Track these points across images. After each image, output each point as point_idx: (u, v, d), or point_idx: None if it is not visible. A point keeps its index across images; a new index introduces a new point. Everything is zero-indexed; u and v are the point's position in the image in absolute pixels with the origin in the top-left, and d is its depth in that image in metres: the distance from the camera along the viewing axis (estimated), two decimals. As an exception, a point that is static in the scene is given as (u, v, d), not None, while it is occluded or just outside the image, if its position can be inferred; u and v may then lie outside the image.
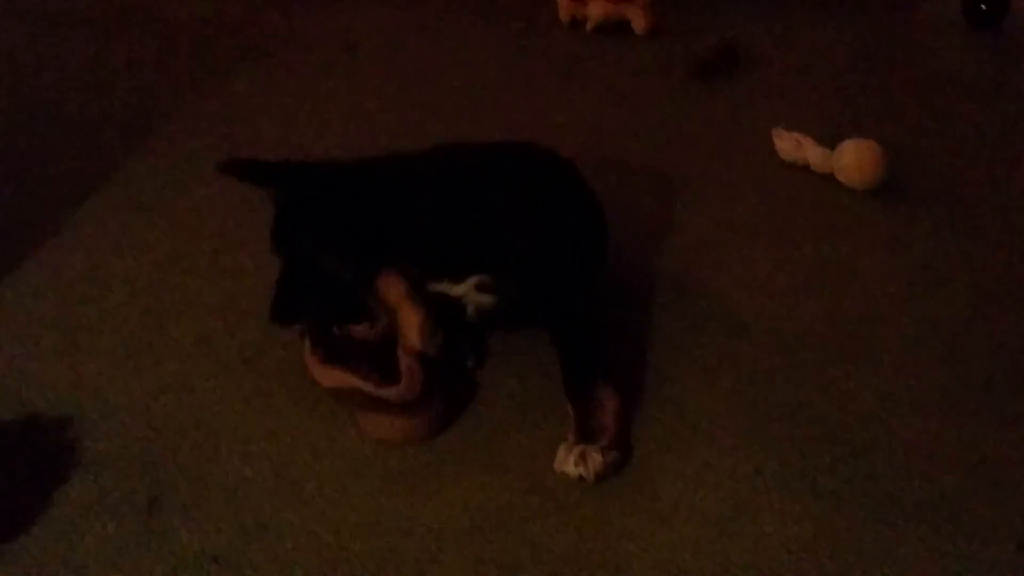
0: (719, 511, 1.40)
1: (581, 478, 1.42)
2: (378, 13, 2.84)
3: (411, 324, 1.53)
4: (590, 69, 2.61)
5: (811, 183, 2.13)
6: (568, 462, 1.43)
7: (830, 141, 2.14)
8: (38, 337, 1.67)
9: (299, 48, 2.67)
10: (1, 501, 1.34)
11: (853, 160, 2.09)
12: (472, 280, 1.59)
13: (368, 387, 1.47)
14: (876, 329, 1.74)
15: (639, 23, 2.76)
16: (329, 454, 1.47)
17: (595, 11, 2.78)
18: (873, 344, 1.71)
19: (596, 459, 1.42)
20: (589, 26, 2.78)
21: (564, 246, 1.65)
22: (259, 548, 1.33)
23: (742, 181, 2.15)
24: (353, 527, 1.36)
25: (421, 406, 1.49)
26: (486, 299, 1.61)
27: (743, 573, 1.32)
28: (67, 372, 1.60)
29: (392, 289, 1.56)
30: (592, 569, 1.32)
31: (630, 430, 1.51)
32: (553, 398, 1.55)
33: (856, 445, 1.51)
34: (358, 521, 1.37)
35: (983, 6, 2.89)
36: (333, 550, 1.33)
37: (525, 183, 1.66)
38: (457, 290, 1.60)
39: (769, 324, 1.74)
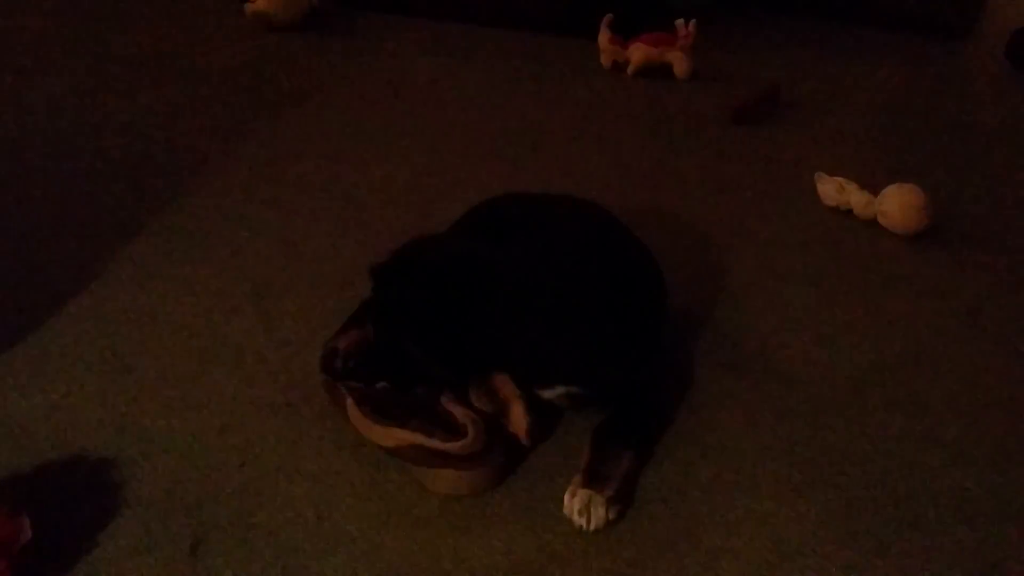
0: (762, 557, 1.39)
1: (581, 528, 1.42)
2: (421, 61, 2.87)
3: (520, 422, 1.54)
4: (631, 113, 2.62)
5: (854, 228, 2.13)
6: (573, 509, 1.43)
7: (873, 186, 2.14)
8: (82, 379, 1.68)
9: (340, 92, 2.70)
10: (46, 542, 1.34)
11: (896, 205, 2.08)
12: (560, 389, 1.60)
13: (434, 443, 1.47)
14: (920, 375, 1.73)
15: (680, 67, 2.77)
16: (371, 496, 1.47)
17: (636, 56, 2.79)
18: (917, 390, 1.70)
19: (600, 513, 1.42)
20: (630, 70, 2.79)
21: (641, 343, 1.66)
22: (301, 589, 1.33)
23: (784, 226, 2.15)
24: (395, 569, 1.36)
25: (485, 456, 1.49)
26: (568, 400, 1.62)
27: (787, 620, 1.30)
28: (111, 413, 1.62)
29: (506, 387, 1.57)
30: (634, 615, 1.31)
31: (634, 488, 1.50)
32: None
33: (900, 492, 1.49)
34: (400, 563, 1.37)
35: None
36: (375, 592, 1.33)
37: (603, 290, 1.62)
38: (547, 394, 1.60)
39: (812, 369, 1.73)
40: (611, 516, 1.43)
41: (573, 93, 2.73)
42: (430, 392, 1.55)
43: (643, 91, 2.73)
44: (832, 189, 2.18)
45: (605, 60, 2.85)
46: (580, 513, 1.42)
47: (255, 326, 1.81)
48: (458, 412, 1.51)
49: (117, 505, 1.44)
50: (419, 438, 1.47)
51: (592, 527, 1.42)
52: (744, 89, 2.65)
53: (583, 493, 1.43)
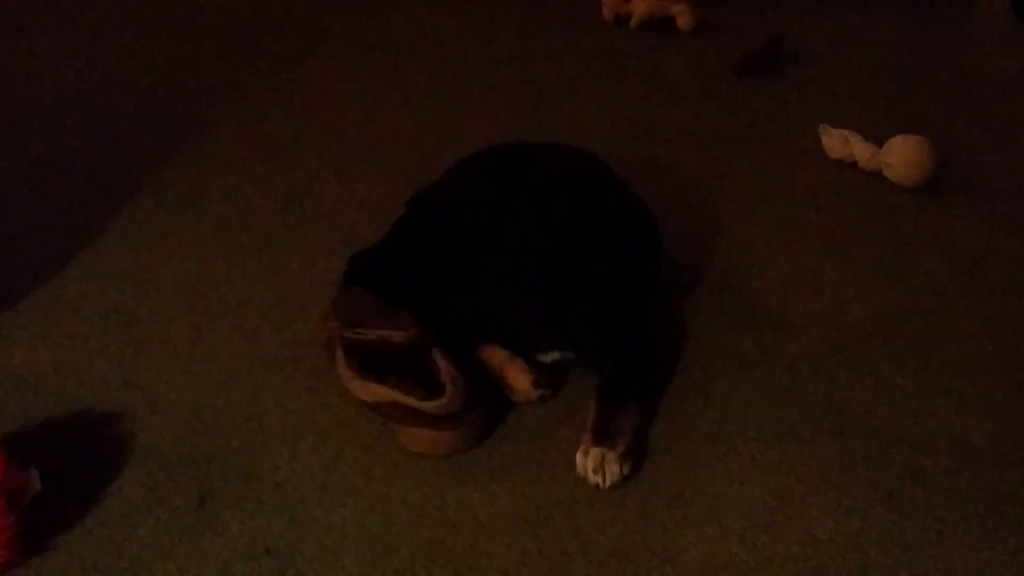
0: (765, 505, 1.40)
1: (596, 485, 1.42)
2: (426, 10, 2.85)
3: (524, 383, 1.55)
4: (634, 67, 2.61)
5: (858, 180, 2.12)
6: (587, 468, 1.43)
7: (878, 138, 2.13)
8: (87, 335, 1.69)
9: (340, 47, 2.68)
10: (55, 495, 1.36)
11: (901, 157, 2.07)
12: (555, 355, 1.60)
13: (411, 400, 1.45)
14: (924, 326, 1.73)
15: (684, 20, 2.75)
16: (377, 448, 1.48)
17: (639, 8, 2.77)
18: (921, 341, 1.70)
19: (615, 469, 1.42)
20: (633, 23, 2.77)
21: (634, 301, 1.66)
22: (310, 540, 1.34)
23: (788, 178, 2.14)
24: (402, 520, 1.37)
25: (463, 418, 1.47)
26: (563, 361, 1.62)
27: (789, 566, 1.31)
28: (117, 369, 1.63)
29: (494, 356, 1.58)
30: (638, 562, 1.32)
31: (645, 441, 1.50)
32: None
33: (904, 441, 1.50)
34: (407, 514, 1.38)
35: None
36: (382, 542, 1.34)
37: (596, 253, 1.63)
38: (543, 359, 1.61)
39: (816, 321, 1.74)
40: (625, 472, 1.43)
41: (576, 46, 2.71)
42: (425, 342, 1.52)
43: (646, 44, 2.70)
44: (837, 141, 2.17)
45: (608, 13, 2.82)
46: (595, 471, 1.42)
47: (258, 281, 1.81)
48: (443, 368, 1.49)
49: (124, 459, 1.46)
50: (396, 395, 1.46)
51: (608, 484, 1.42)
52: (748, 41, 2.63)
53: (595, 451, 1.43)
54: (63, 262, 1.84)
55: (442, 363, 1.50)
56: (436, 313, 1.56)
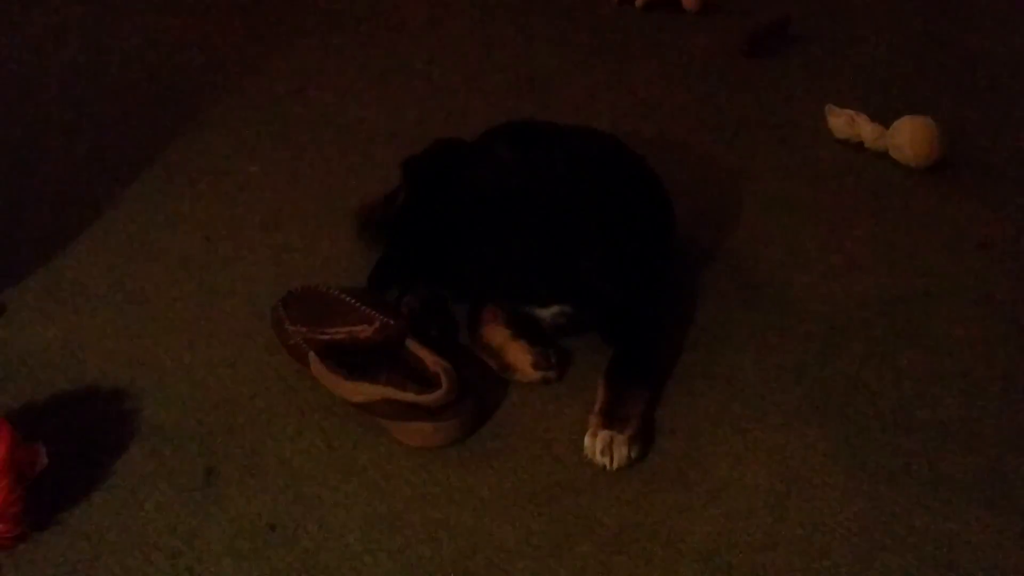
0: (770, 487, 1.40)
1: (604, 467, 1.42)
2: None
3: (524, 362, 1.55)
4: (640, 47, 2.60)
5: (865, 161, 2.12)
6: (595, 450, 1.43)
7: (885, 118, 2.12)
8: (94, 311, 1.69)
9: (348, 25, 2.67)
10: (62, 470, 1.36)
11: (908, 137, 2.06)
12: (555, 308, 1.61)
13: (407, 396, 1.43)
14: (930, 307, 1.73)
15: (689, 0, 2.74)
16: (381, 427, 1.48)
17: (646, -12, 2.76)
18: (927, 322, 1.70)
19: (623, 452, 1.42)
20: (639, 3, 2.76)
21: (641, 268, 1.66)
22: (314, 517, 1.34)
23: (794, 158, 2.14)
24: (406, 498, 1.38)
25: (457, 407, 1.46)
26: (560, 318, 1.62)
27: (794, 549, 1.32)
28: (122, 344, 1.63)
29: (496, 334, 1.58)
30: (642, 542, 1.32)
31: (652, 426, 1.50)
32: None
33: (909, 422, 1.50)
34: (411, 492, 1.38)
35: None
36: (387, 520, 1.34)
37: (605, 211, 1.63)
38: (543, 313, 1.62)
39: (821, 301, 1.74)
40: (633, 455, 1.43)
41: (581, 26, 2.70)
42: (395, 335, 1.52)
43: (652, 24, 2.69)
44: (843, 122, 2.16)
45: (614, -7, 2.81)
46: (602, 453, 1.42)
47: (265, 259, 1.81)
48: (429, 360, 1.49)
49: (131, 434, 1.46)
50: (391, 392, 1.44)
51: (615, 466, 1.42)
52: (754, 21, 2.62)
53: (604, 434, 1.43)
54: (70, 238, 1.83)
55: (424, 354, 1.50)
56: (444, 266, 1.60)
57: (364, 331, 1.54)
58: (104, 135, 2.16)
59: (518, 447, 1.46)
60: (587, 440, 1.44)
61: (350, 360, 1.50)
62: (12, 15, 2.62)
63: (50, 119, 2.21)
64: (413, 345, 1.52)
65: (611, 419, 1.46)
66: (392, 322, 1.55)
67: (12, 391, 1.52)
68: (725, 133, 2.23)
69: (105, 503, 1.36)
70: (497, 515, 1.35)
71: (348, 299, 1.62)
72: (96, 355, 1.60)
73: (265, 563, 1.29)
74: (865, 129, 2.13)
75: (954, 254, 1.86)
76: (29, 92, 2.31)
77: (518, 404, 1.53)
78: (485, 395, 1.53)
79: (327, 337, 1.53)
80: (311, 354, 1.51)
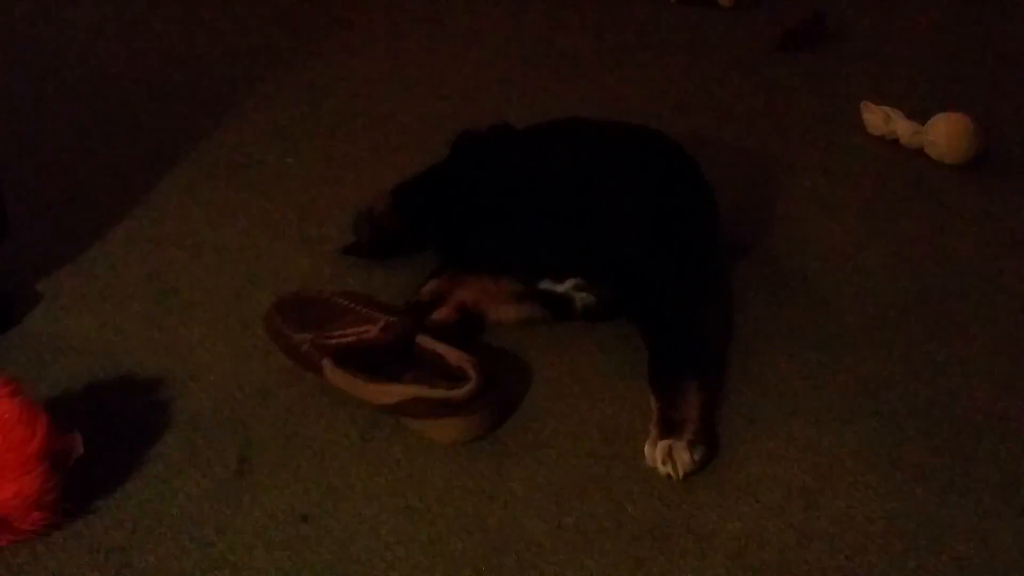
0: (803, 484, 1.39)
1: (669, 476, 1.39)
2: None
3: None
4: (674, 41, 2.59)
5: (900, 158, 2.10)
6: (656, 460, 1.40)
7: (920, 115, 2.11)
8: (129, 300, 1.70)
9: (381, 17, 2.68)
10: (96, 459, 1.37)
11: (944, 134, 2.05)
12: (571, 282, 1.61)
13: (437, 393, 1.41)
14: (966, 305, 1.72)
15: (724, -6, 2.73)
16: (414, 420, 1.48)
17: (680, -18, 2.75)
18: (963, 320, 1.69)
19: (684, 458, 1.39)
20: (674, -2, 2.75)
21: (666, 249, 1.65)
22: (346, 508, 1.35)
23: (829, 155, 2.12)
24: (438, 490, 1.38)
25: (487, 398, 1.44)
26: (589, 298, 1.62)
27: (827, 546, 1.31)
28: (157, 334, 1.64)
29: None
30: (674, 538, 1.32)
31: (715, 424, 1.48)
32: (638, 369, 1.55)
33: (943, 421, 1.49)
34: (443, 485, 1.39)
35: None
36: (418, 512, 1.35)
37: (629, 184, 1.66)
38: (560, 288, 1.62)
39: (856, 299, 1.73)
40: (697, 457, 1.40)
41: (615, 20, 2.69)
42: (402, 333, 1.50)
43: (687, 18, 2.68)
44: (878, 118, 2.15)
45: (648, -13, 2.80)
46: (664, 463, 1.39)
47: (299, 250, 1.82)
48: (451, 355, 1.46)
49: (165, 424, 1.47)
50: (421, 390, 1.42)
51: (681, 474, 1.38)
52: (788, 17, 2.61)
53: (662, 444, 1.40)
54: (107, 228, 1.85)
55: (443, 349, 1.47)
56: (463, 238, 1.64)
57: (369, 331, 1.50)
58: (140, 127, 2.18)
59: (548, 442, 1.46)
60: (647, 451, 1.41)
61: (366, 362, 1.47)
62: (50, 12, 2.64)
63: (87, 112, 2.23)
64: (427, 341, 1.49)
65: (668, 426, 1.43)
66: (396, 320, 1.52)
67: (48, 379, 1.53)
68: (759, 129, 2.22)
69: (139, 492, 1.37)
70: (528, 509, 1.35)
71: (344, 302, 1.57)
72: (131, 345, 1.61)
73: (297, 554, 1.29)
74: (901, 126, 2.12)
75: (991, 252, 1.84)
76: (67, 86, 2.33)
77: (548, 398, 1.53)
78: (510, 387, 1.52)
79: (335, 341, 1.50)
80: (325, 360, 1.47)
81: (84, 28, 2.57)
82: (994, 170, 2.05)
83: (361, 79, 2.39)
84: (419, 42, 2.57)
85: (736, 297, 1.72)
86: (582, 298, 1.62)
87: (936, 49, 2.55)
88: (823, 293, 1.74)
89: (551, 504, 1.36)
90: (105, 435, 1.42)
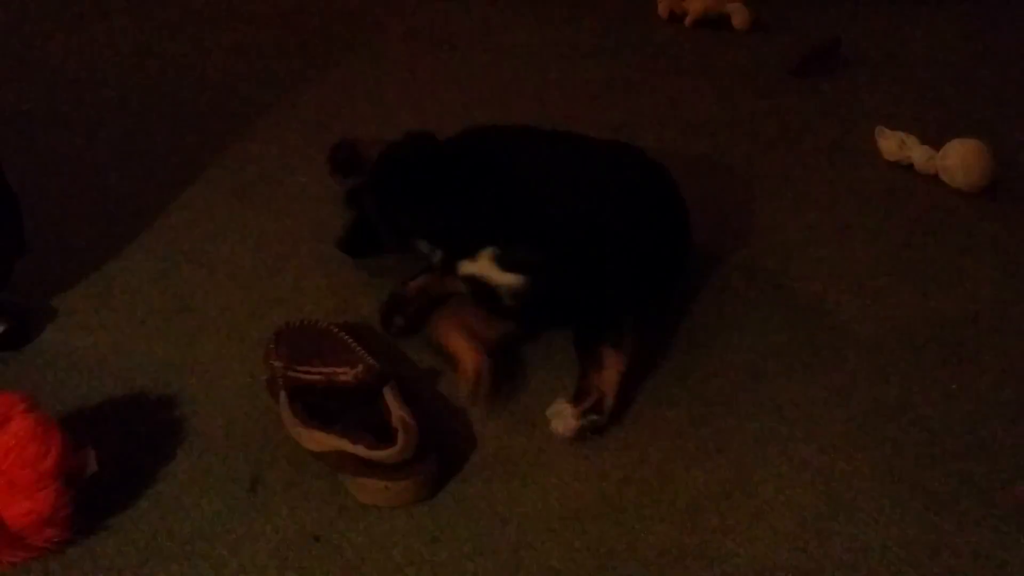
0: (817, 509, 1.39)
1: (556, 432, 1.48)
2: (480, 7, 2.85)
3: (466, 367, 1.54)
4: (688, 64, 2.60)
5: (915, 183, 2.10)
6: (549, 416, 1.49)
7: (935, 141, 2.11)
8: (144, 318, 1.71)
9: (398, 39, 2.69)
10: (109, 476, 1.37)
11: (959, 160, 2.05)
12: (488, 253, 1.60)
13: (359, 450, 1.36)
14: (979, 331, 1.72)
15: (739, 19, 2.74)
16: (427, 440, 1.48)
17: (695, 6, 2.76)
18: (976, 346, 1.68)
19: (570, 423, 1.47)
20: (688, 21, 2.76)
21: (599, 227, 1.63)
22: (359, 528, 1.35)
23: (843, 180, 2.12)
24: (450, 512, 1.38)
25: (415, 466, 1.38)
26: (514, 281, 1.60)
27: (840, 572, 1.31)
28: (172, 352, 1.64)
29: (452, 339, 1.58)
30: (687, 562, 1.32)
31: (624, 396, 1.53)
32: (654, 392, 1.55)
33: (957, 447, 1.49)
34: (455, 506, 1.39)
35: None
36: (431, 532, 1.35)
37: (569, 166, 1.71)
38: (476, 268, 1.61)
39: (870, 324, 1.72)
40: (584, 424, 1.47)
41: (630, 43, 2.70)
42: (375, 381, 1.47)
43: (701, 42, 2.69)
44: (893, 144, 2.15)
45: (663, 10, 2.81)
46: (555, 418, 1.49)
47: (313, 269, 1.82)
48: (394, 411, 1.41)
49: (178, 442, 1.47)
50: (344, 444, 1.37)
51: (561, 433, 1.47)
52: (803, 42, 2.61)
53: (558, 404, 1.49)
54: (121, 245, 1.85)
55: (393, 405, 1.42)
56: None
57: (345, 374, 1.47)
58: (156, 145, 2.18)
59: (561, 464, 1.46)
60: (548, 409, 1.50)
61: (320, 402, 1.45)
62: (66, 29, 2.66)
63: (103, 130, 2.24)
64: (389, 394, 1.44)
65: (577, 391, 1.51)
66: (377, 366, 1.49)
67: (63, 396, 1.53)
68: (773, 153, 2.22)
69: (152, 510, 1.37)
70: (540, 532, 1.35)
71: (344, 336, 1.56)
72: (145, 362, 1.61)
73: (309, 574, 1.29)
74: (915, 151, 2.12)
75: (1005, 278, 1.84)
76: (83, 104, 2.33)
77: (563, 420, 1.53)
78: (440, 463, 1.43)
79: (303, 376, 1.48)
80: (282, 393, 1.46)
81: (101, 51, 2.58)
82: (1009, 196, 2.05)
83: (375, 100, 2.40)
84: (433, 64, 2.57)
85: (749, 321, 1.72)
86: (507, 283, 1.59)
87: (950, 75, 2.56)
88: (837, 318, 1.74)
89: (563, 527, 1.36)
90: (118, 452, 1.43)
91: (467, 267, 1.62)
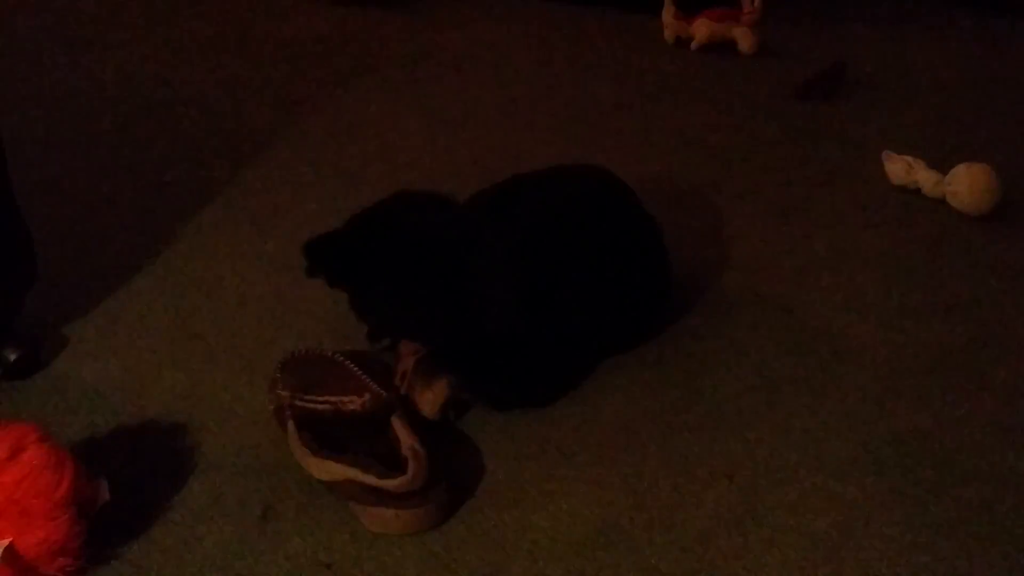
0: (827, 536, 1.39)
1: None
2: (486, 28, 2.87)
3: (425, 396, 1.54)
4: (694, 89, 2.61)
5: (922, 208, 2.10)
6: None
7: (943, 165, 2.11)
8: (154, 346, 1.71)
9: (408, 64, 2.70)
10: (120, 504, 1.37)
11: (966, 184, 2.05)
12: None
13: (369, 479, 1.36)
14: (988, 356, 1.71)
15: (745, 43, 2.74)
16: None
17: (701, 31, 2.77)
18: (985, 371, 1.68)
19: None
20: (694, 45, 2.77)
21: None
22: (370, 556, 1.35)
23: (850, 204, 2.13)
24: (462, 538, 1.38)
25: (426, 494, 1.38)
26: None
27: (852, 599, 1.31)
28: (182, 380, 1.65)
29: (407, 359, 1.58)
30: (698, 589, 1.32)
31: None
32: (663, 419, 1.56)
33: (969, 473, 1.48)
34: (466, 533, 1.39)
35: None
36: (442, 559, 1.35)
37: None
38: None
39: (878, 349, 1.73)
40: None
41: (635, 67, 2.71)
42: (383, 409, 1.47)
43: (707, 67, 2.70)
44: (900, 168, 2.15)
45: (669, 35, 2.82)
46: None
47: (323, 297, 1.82)
48: (404, 440, 1.41)
49: (190, 469, 1.48)
50: (354, 473, 1.37)
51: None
52: (809, 66, 2.62)
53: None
54: (132, 273, 1.86)
55: (402, 434, 1.42)
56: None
57: (352, 403, 1.48)
58: (167, 172, 2.20)
59: (573, 488, 1.46)
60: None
61: (328, 431, 1.46)
62: (80, 56, 2.68)
63: (115, 155, 2.25)
64: (397, 423, 1.45)
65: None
66: (384, 394, 1.50)
67: (74, 424, 1.54)
68: (779, 178, 2.22)
69: (163, 538, 1.37)
70: (551, 558, 1.35)
71: (350, 365, 1.57)
72: (156, 390, 1.62)
73: (321, 602, 1.30)
74: (923, 175, 2.12)
75: (1014, 301, 1.84)
76: (95, 131, 2.35)
77: (573, 444, 1.53)
78: (467, 474, 1.48)
79: (310, 405, 1.49)
80: (289, 422, 1.47)
81: (111, 76, 2.60)
82: (1017, 219, 2.05)
83: (385, 125, 2.41)
84: (443, 89, 2.59)
85: (757, 347, 1.72)
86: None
87: (957, 98, 2.56)
88: (845, 343, 1.74)
89: (574, 554, 1.36)
90: (130, 480, 1.43)
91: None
